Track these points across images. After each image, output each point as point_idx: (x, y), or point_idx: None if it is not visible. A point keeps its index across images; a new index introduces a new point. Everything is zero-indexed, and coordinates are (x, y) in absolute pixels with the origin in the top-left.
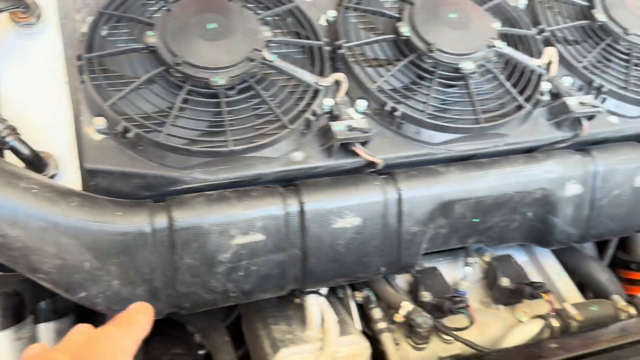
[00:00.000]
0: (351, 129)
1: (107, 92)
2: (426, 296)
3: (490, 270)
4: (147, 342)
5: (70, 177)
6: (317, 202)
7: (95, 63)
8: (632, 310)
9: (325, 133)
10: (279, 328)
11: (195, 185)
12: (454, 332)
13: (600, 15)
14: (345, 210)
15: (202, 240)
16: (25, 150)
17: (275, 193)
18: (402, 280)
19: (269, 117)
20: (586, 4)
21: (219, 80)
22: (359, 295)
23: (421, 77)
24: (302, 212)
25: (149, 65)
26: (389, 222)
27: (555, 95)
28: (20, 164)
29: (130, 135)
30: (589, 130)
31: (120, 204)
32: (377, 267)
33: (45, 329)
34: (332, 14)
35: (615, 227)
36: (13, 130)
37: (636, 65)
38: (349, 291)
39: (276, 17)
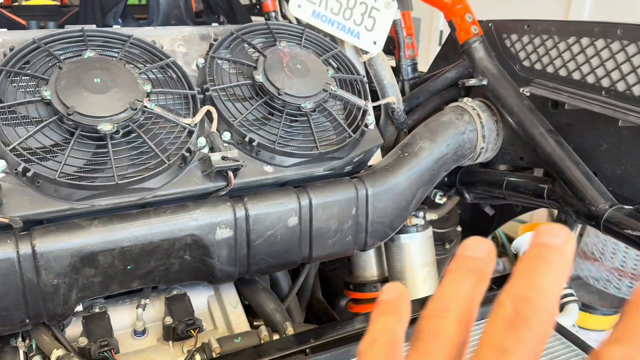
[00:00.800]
0: None
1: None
2: (82, 342)
3: (166, 309)
4: None
5: None
6: None
7: None
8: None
9: None
10: None
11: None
12: None
13: (259, 76)
14: None
15: None
16: None
17: None
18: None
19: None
20: (252, 64)
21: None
22: (23, 345)
23: (66, 138)
24: None
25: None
26: (27, 276)
27: (212, 149)
28: None
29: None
30: (246, 179)
31: None
32: (21, 320)
33: None
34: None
35: (275, 263)
36: None
37: (288, 121)
38: (19, 340)
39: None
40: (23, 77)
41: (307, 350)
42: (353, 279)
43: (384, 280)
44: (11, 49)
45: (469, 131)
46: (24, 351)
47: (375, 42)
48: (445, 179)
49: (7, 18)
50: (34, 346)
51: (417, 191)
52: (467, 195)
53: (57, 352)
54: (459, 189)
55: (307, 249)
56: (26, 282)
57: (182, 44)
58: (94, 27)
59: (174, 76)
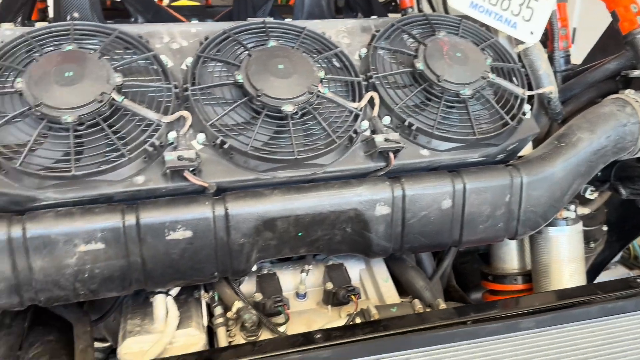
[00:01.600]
0: (181, 158)
1: None
2: (258, 297)
3: (325, 276)
4: (30, 331)
5: None
6: (152, 218)
7: None
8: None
9: (164, 161)
10: (132, 322)
11: (50, 202)
12: (272, 325)
13: (419, 64)
14: (177, 225)
15: (51, 247)
16: None
17: (116, 209)
18: (250, 283)
19: (113, 147)
20: (413, 53)
21: (68, 118)
22: (206, 296)
23: (254, 117)
24: (138, 225)
25: (18, 106)
26: (219, 235)
27: (373, 132)
28: None
29: None
30: (403, 161)
31: None
32: (211, 273)
33: None
34: (189, 60)
35: (427, 243)
36: None
37: (446, 107)
38: (202, 292)
39: (138, 64)
40: (217, 63)
41: (468, 322)
42: (492, 270)
43: (524, 273)
44: (206, 39)
45: (631, 124)
46: (206, 302)
47: (532, 33)
48: (598, 173)
49: (170, 15)
50: (216, 298)
51: (572, 182)
52: (622, 191)
53: (238, 304)
54: (613, 184)
55: (458, 233)
56: (218, 240)
57: (346, 35)
58: (272, 19)
59: (342, 64)
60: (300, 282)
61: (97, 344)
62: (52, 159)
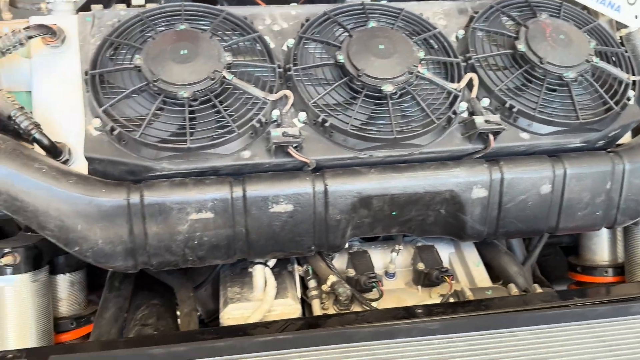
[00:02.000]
0: (285, 134)
1: (102, 100)
2: (351, 272)
3: (415, 256)
4: (135, 294)
5: (79, 163)
6: (257, 191)
7: (96, 78)
8: None
9: (269, 137)
10: (233, 290)
11: (165, 173)
12: (365, 300)
13: (521, 46)
14: (280, 198)
15: (165, 214)
16: (45, 141)
17: (225, 181)
18: (342, 259)
19: (224, 122)
20: (513, 35)
21: (184, 94)
22: (301, 269)
23: (353, 97)
24: (244, 197)
25: (136, 81)
26: (318, 210)
27: (471, 113)
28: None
29: (115, 132)
30: (502, 144)
31: (105, 183)
32: (308, 246)
33: (62, 279)
34: (290, 41)
35: (523, 228)
36: (37, 125)
37: (548, 89)
38: (295, 265)
39: (245, 44)
40: (317, 44)
41: (571, 305)
42: (581, 261)
43: (615, 265)
44: (307, 20)
45: None
46: (300, 275)
47: (636, 17)
48: None
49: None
50: (310, 271)
51: None
52: None
53: (332, 278)
54: None
55: (555, 219)
56: (317, 215)
57: (442, 17)
58: (369, 0)
59: (439, 46)
60: (390, 262)
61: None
62: (168, 131)
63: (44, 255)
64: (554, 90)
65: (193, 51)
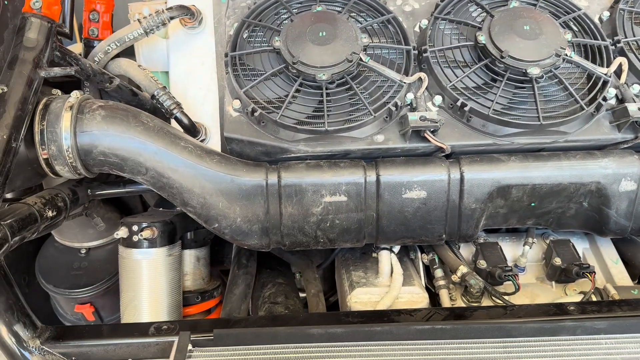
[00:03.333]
0: (423, 119)
1: (243, 82)
2: (482, 264)
3: (548, 251)
4: (258, 272)
5: (214, 142)
6: (390, 176)
7: (236, 59)
8: None
9: (403, 121)
10: (357, 274)
11: (300, 154)
12: (499, 294)
13: None
14: (413, 184)
15: (300, 196)
16: (185, 120)
17: (359, 165)
18: (466, 250)
19: (359, 106)
20: None
21: (323, 76)
22: (426, 258)
23: (493, 79)
24: (378, 182)
25: (275, 63)
26: (452, 197)
27: (621, 101)
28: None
29: (256, 114)
30: None
31: (245, 163)
32: (439, 234)
33: (189, 254)
34: (424, 22)
35: None
36: (178, 105)
37: None
38: (419, 254)
39: (377, 25)
40: (453, 25)
41: None
42: None
43: None
44: (441, 0)
45: None
46: (424, 263)
47: None
48: None
49: None
50: (436, 260)
51: None
52: None
53: (463, 269)
54: None
55: None
56: (450, 203)
57: None
58: None
59: (582, 28)
60: (521, 255)
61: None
62: (304, 113)
63: (177, 231)
64: None
65: (331, 33)
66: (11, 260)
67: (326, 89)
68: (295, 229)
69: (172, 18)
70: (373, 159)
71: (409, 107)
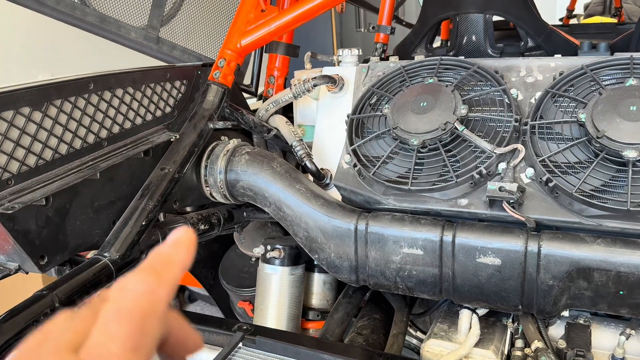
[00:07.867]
0: (502, 189)
1: (354, 140)
2: (562, 344)
3: None
4: (366, 305)
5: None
6: (466, 239)
7: (354, 120)
8: None
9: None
10: (440, 326)
11: (389, 207)
12: None
13: None
14: (488, 250)
15: (382, 243)
16: (312, 167)
17: (438, 224)
18: (559, 328)
19: (446, 170)
20: None
21: (415, 141)
22: (512, 325)
23: (590, 158)
24: (453, 242)
25: (383, 126)
26: (528, 270)
27: None
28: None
29: (357, 168)
30: None
31: (343, 207)
32: (515, 304)
33: (317, 277)
34: (538, 94)
35: None
36: (308, 155)
37: None
38: (509, 320)
39: (489, 95)
40: (565, 99)
41: None
42: None
43: None
44: (560, 74)
45: None
46: (511, 331)
47: None
48: None
49: (561, 37)
50: (519, 330)
51: None
52: None
53: (538, 344)
54: None
55: None
56: (527, 275)
57: None
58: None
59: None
60: (618, 345)
61: (419, 334)
62: (397, 172)
63: (301, 256)
64: None
65: (431, 103)
66: (204, 256)
67: (418, 152)
68: (377, 272)
69: (315, 85)
70: (459, 219)
71: (499, 176)
